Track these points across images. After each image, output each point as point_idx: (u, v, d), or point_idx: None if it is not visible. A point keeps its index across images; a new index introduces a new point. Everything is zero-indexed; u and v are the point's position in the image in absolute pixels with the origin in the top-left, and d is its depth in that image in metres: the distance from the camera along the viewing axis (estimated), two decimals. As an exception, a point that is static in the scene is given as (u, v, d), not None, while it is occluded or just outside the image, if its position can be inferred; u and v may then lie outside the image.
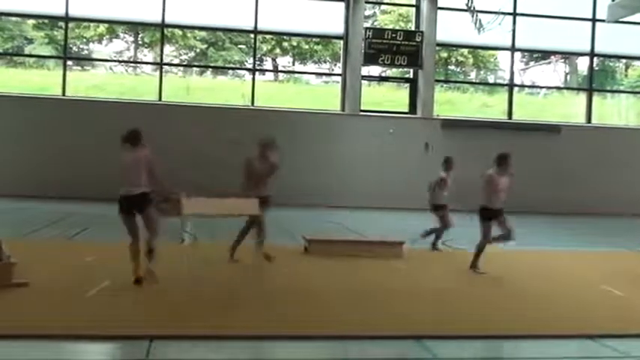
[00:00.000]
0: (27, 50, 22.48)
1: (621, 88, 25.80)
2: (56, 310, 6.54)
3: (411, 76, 22.15)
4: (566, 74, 26.03)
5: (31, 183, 18.81)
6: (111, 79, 22.98)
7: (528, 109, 23.80)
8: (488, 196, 9.52)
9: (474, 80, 25.73)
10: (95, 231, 12.94)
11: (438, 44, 21.90)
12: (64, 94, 20.26)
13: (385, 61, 21.41)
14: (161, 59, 21.33)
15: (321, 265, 9.77)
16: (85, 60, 23.23)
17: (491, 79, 26.13)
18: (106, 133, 19.75)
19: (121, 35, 23.50)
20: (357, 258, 10.22)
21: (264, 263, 9.59)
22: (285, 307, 7.14)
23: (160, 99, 20.72)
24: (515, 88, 23.32)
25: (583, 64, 24.55)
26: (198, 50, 23.51)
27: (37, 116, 19.52)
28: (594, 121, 23.05)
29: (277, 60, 24.23)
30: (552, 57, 24.94)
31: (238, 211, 8.91)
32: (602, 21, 21.80)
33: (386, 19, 24.10)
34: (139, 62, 23.82)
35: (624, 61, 25.62)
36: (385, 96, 23.58)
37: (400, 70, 22.54)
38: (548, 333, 6.55)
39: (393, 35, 21.37)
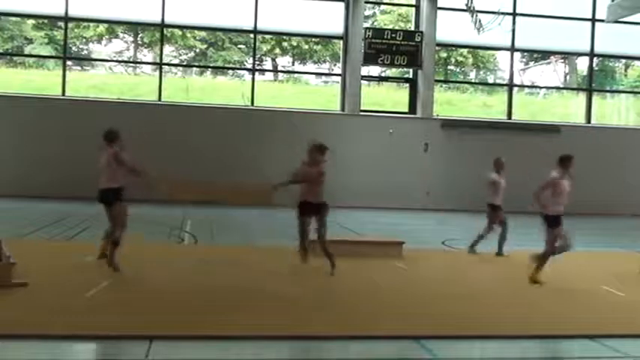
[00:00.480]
0: (27, 50, 22.48)
1: (621, 88, 25.81)
2: (56, 310, 6.53)
3: (411, 76, 22.16)
4: (566, 74, 26.04)
5: (31, 183, 18.81)
6: (110, 79, 22.99)
7: (528, 109, 23.82)
8: (553, 200, 8.91)
9: (473, 80, 25.75)
10: (95, 231, 12.92)
11: (438, 44, 21.90)
12: (63, 94, 20.26)
13: (385, 61, 21.41)
14: (160, 59, 21.33)
15: (321, 265, 9.75)
16: (84, 60, 23.24)
17: (490, 79, 26.15)
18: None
19: (121, 35, 23.51)
20: (357, 258, 10.22)
21: (264, 264, 9.59)
22: (285, 308, 7.13)
23: (159, 99, 20.72)
24: (515, 88, 23.33)
25: (583, 64, 24.56)
26: (197, 50, 23.51)
27: (37, 116, 19.51)
28: (594, 121, 23.06)
29: (277, 60, 24.24)
30: (552, 57, 24.95)
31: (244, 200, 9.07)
32: (602, 21, 21.82)
33: (385, 19, 24.11)
34: (139, 62, 23.83)
35: (624, 61, 25.65)
36: (385, 96, 23.58)
37: (400, 70, 22.55)
38: (548, 333, 6.55)
39: (393, 35, 21.37)
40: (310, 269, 9.47)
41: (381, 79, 23.82)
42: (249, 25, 21.31)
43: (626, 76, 26.38)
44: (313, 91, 24.39)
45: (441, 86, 23.80)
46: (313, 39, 23.18)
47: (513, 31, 21.87)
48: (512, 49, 22.51)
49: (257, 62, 22.48)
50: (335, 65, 23.59)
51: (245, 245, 11.24)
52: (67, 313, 6.45)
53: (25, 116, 19.49)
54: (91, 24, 21.93)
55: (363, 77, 21.85)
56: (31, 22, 22.29)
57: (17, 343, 5.65)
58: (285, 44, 23.24)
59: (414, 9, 22.27)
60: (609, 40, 22.85)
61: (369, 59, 21.28)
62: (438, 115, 21.74)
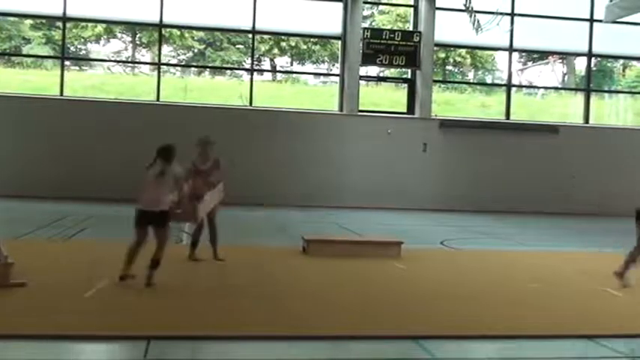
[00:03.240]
0: (25, 50, 22.44)
1: (619, 88, 25.84)
2: (54, 310, 6.52)
3: (409, 77, 22.16)
4: (564, 74, 26.06)
5: (29, 183, 18.78)
6: (109, 79, 22.96)
7: (526, 110, 23.83)
8: None
9: (471, 80, 25.76)
10: (94, 231, 12.93)
11: (436, 44, 21.90)
12: (61, 94, 20.23)
13: (383, 62, 21.40)
14: (159, 59, 21.31)
15: (320, 265, 9.76)
16: (82, 60, 23.21)
17: (489, 80, 26.16)
18: (104, 133, 19.85)
19: (119, 35, 23.48)
20: (356, 258, 10.22)
21: (263, 264, 9.60)
22: (284, 308, 7.13)
23: (157, 99, 20.69)
24: (513, 89, 23.33)
25: (581, 65, 24.57)
26: (196, 50, 23.50)
27: (35, 116, 19.48)
28: (592, 121, 23.07)
29: (275, 60, 24.23)
30: (550, 57, 24.96)
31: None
32: (600, 21, 21.81)
33: (384, 19, 24.11)
34: (137, 62, 23.80)
35: (622, 61, 25.65)
36: (383, 96, 23.59)
37: (398, 70, 22.54)
38: (546, 333, 6.56)
39: (391, 35, 21.37)
40: (309, 270, 9.47)
41: (379, 79, 23.81)
42: (247, 26, 21.30)
43: (624, 76, 26.40)
44: (311, 91, 24.39)
45: (440, 86, 23.80)
46: (311, 39, 23.16)
47: (511, 31, 21.85)
48: (511, 49, 22.51)
49: (255, 62, 22.47)
50: (333, 65, 23.58)
51: (244, 245, 11.23)
52: (66, 313, 6.44)
53: (22, 116, 19.46)
54: (89, 24, 21.87)
55: (362, 77, 21.85)
56: (28, 22, 22.24)
57: (17, 343, 5.64)
58: (283, 44, 23.23)
59: (412, 9, 22.26)
60: (607, 41, 22.85)
61: (368, 59, 21.27)
62: (436, 116, 21.74)
